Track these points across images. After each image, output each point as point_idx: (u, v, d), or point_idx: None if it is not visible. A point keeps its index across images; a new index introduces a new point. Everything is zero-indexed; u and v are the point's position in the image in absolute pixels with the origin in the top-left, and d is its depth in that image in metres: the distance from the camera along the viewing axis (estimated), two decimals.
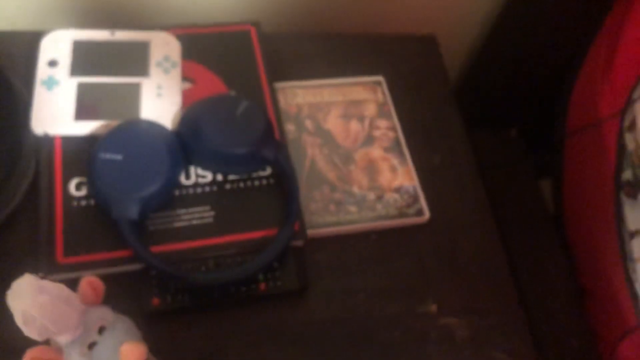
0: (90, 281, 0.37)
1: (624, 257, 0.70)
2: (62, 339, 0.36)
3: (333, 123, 0.59)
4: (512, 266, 0.57)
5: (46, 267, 0.46)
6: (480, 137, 0.91)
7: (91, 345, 0.36)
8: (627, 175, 0.71)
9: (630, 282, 0.68)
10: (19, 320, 0.34)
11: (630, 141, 0.71)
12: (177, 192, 0.51)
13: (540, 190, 0.88)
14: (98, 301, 0.38)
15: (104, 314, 0.38)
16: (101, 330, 0.37)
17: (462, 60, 0.88)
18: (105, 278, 0.39)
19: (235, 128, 0.51)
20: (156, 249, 0.48)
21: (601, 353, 0.72)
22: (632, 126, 0.71)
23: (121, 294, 0.46)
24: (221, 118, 0.51)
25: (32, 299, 0.34)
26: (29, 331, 0.34)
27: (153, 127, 0.51)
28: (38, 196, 0.49)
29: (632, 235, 0.69)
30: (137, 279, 0.47)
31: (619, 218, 0.71)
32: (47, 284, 0.35)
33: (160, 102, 0.54)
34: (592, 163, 0.76)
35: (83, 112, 0.52)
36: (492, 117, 0.93)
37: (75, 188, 0.49)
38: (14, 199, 0.49)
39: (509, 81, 0.90)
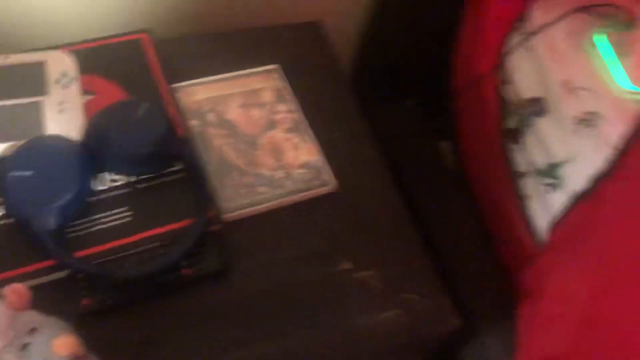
0: (14, 288, 0.40)
1: (517, 197, 0.78)
2: None
3: (235, 113, 0.63)
4: (424, 223, 0.62)
5: None
6: (380, 110, 0.98)
7: (25, 346, 0.39)
8: (510, 123, 0.78)
9: (525, 217, 0.76)
10: None
11: (507, 93, 0.78)
12: (93, 198, 0.53)
13: (441, 151, 0.95)
14: (25, 306, 0.40)
15: (32, 316, 0.40)
16: (32, 331, 0.39)
17: (355, 41, 0.94)
18: (35, 289, 0.41)
19: (138, 130, 0.54)
20: (79, 254, 0.50)
21: (514, 290, 0.80)
22: (507, 79, 0.79)
23: (52, 301, 0.48)
24: (123, 123, 0.54)
25: None
26: None
27: (59, 141, 0.53)
28: None
29: (521, 176, 0.77)
30: (65, 285, 0.50)
31: (509, 163, 0.79)
32: None
33: (63, 117, 0.56)
34: (479, 117, 0.83)
35: None
36: (391, 90, 0.99)
37: None
38: None
39: (401, 55, 0.96)
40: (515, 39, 0.78)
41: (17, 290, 0.40)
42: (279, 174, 0.60)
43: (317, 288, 0.55)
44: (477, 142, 0.88)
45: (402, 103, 1.00)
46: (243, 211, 0.57)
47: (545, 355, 0.69)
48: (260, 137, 0.62)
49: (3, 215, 0.51)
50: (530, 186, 0.76)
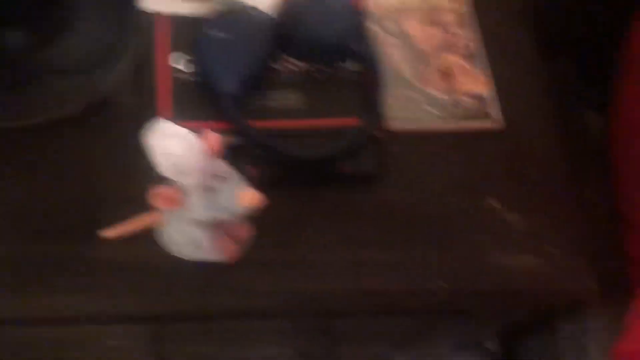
0: (212, 135, 0.42)
1: None
2: (187, 180, 0.41)
3: (413, 26, 0.62)
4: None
5: None
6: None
7: (211, 189, 0.42)
8: None
9: None
10: (157, 157, 0.39)
11: None
12: (273, 76, 0.55)
13: (586, 122, 0.91)
14: (218, 154, 0.43)
15: (222, 166, 0.43)
16: (220, 179, 0.42)
17: None
18: None
19: (333, 20, 0.54)
20: (256, 124, 0.52)
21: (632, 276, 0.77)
22: None
23: None
24: (320, 10, 0.54)
25: (169, 138, 0.39)
26: (164, 167, 0.40)
27: (256, 12, 0.54)
28: (150, 68, 0.53)
29: None
30: (235, 151, 0.52)
31: None
32: (180, 129, 0.40)
33: None
34: None
35: None
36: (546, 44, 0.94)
37: (183, 65, 0.54)
38: (128, 70, 0.53)
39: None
40: None
41: (214, 137, 0.42)
42: (446, 97, 0.59)
43: (459, 217, 0.55)
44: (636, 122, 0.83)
45: (554, 61, 0.95)
46: (406, 125, 0.57)
47: None
48: (433, 56, 0.61)
49: (194, 72, 0.53)
50: None
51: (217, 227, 0.45)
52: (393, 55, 0.60)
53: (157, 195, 0.41)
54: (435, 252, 0.53)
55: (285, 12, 0.55)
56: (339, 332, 0.72)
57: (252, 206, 0.40)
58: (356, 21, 0.55)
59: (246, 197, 0.40)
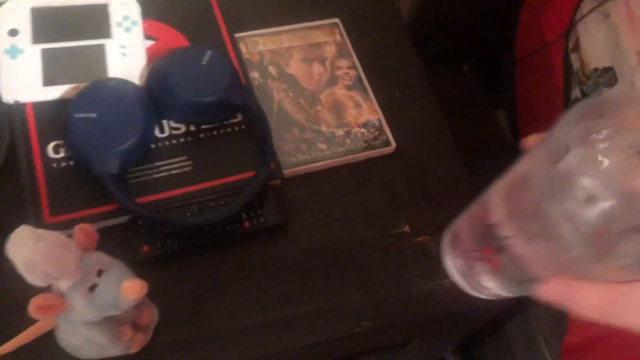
0: (82, 228, 0.40)
1: None
2: (64, 284, 0.38)
3: (295, 67, 0.61)
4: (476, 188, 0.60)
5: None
6: (435, 73, 0.95)
7: (92, 288, 0.39)
8: (575, 93, 0.75)
9: None
10: (21, 269, 0.36)
11: (575, 61, 0.75)
12: (153, 146, 0.53)
13: (496, 120, 0.93)
14: (93, 246, 0.40)
15: (100, 257, 0.40)
16: (100, 272, 0.39)
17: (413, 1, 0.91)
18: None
19: (203, 77, 0.53)
20: (139, 200, 0.50)
21: None
22: (576, 47, 0.75)
23: (113, 246, 0.48)
24: (188, 69, 0.53)
25: (32, 247, 0.36)
26: (32, 278, 0.36)
27: (123, 84, 0.52)
28: (17, 162, 0.50)
29: None
30: (125, 230, 0.50)
31: None
32: (44, 232, 0.37)
33: (125, 61, 0.55)
34: (541, 86, 0.80)
35: (51, 77, 0.53)
36: (445, 55, 0.96)
37: (53, 151, 0.51)
38: None
39: (458, 19, 0.93)
40: (589, 4, 0.74)
41: (86, 229, 0.40)
42: (339, 131, 0.58)
43: (372, 249, 0.54)
44: (537, 113, 0.85)
45: (458, 68, 0.97)
46: (303, 167, 0.56)
47: (603, 332, 0.67)
48: (320, 93, 0.60)
49: (65, 157, 0.51)
50: None
51: (113, 319, 0.42)
52: (282, 100, 0.59)
53: (35, 306, 0.38)
54: (353, 291, 0.52)
55: (155, 77, 0.53)
56: None
57: (136, 296, 0.38)
58: (231, 73, 0.54)
59: (129, 289, 0.38)
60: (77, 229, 0.39)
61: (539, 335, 0.76)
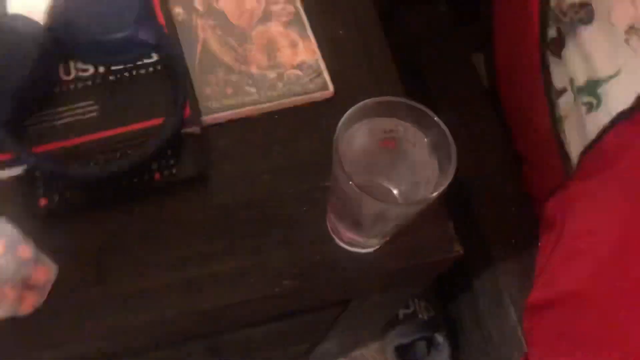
0: None
1: (553, 117, 0.69)
2: None
3: (225, 1, 0.55)
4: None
5: None
6: (410, 13, 0.88)
7: None
8: (552, 32, 0.68)
9: (559, 140, 0.68)
10: None
11: None
12: (56, 90, 0.48)
13: (473, 64, 0.86)
14: None
15: None
16: None
17: None
18: None
19: (108, 13, 0.47)
20: (40, 148, 0.45)
21: (536, 215, 0.73)
22: None
23: (6, 200, 0.45)
24: (92, 4, 0.47)
25: None
26: None
27: (19, 21, 0.47)
28: None
29: (559, 93, 0.68)
30: (21, 182, 0.45)
31: (547, 79, 0.70)
32: None
33: None
34: (518, 25, 0.73)
35: None
36: None
37: None
38: None
39: None
40: None
41: None
42: (271, 73, 0.53)
43: (301, 202, 0.49)
44: (513, 54, 0.78)
45: (433, 7, 0.90)
46: (228, 113, 0.51)
47: (564, 291, 0.63)
48: (252, 31, 0.54)
49: None
50: (566, 105, 0.67)
51: None
52: (208, 39, 0.53)
53: None
54: (277, 249, 0.47)
55: (57, 13, 0.48)
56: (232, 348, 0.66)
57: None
58: (141, 8, 0.48)
59: None
60: None
61: (505, 293, 0.72)
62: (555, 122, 0.68)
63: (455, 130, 0.85)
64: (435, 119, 0.39)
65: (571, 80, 0.64)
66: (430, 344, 0.98)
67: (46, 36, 0.47)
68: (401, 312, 0.97)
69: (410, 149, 0.42)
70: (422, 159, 0.41)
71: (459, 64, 0.86)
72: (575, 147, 0.64)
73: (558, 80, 0.68)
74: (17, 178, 0.45)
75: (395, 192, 0.42)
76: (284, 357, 0.84)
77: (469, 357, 0.93)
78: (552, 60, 0.68)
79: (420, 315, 0.96)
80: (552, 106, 0.69)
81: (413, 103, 0.39)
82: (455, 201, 0.64)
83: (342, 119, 0.38)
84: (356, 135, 0.40)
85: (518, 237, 0.74)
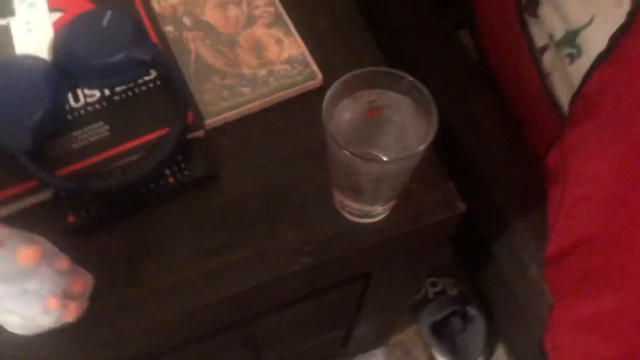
0: None
1: (541, 74, 0.71)
2: None
3: (211, 14, 0.59)
4: (444, 114, 0.57)
5: None
6: (391, 1, 0.91)
7: None
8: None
9: (549, 94, 0.70)
10: None
11: None
12: (69, 117, 0.52)
13: (459, 41, 0.88)
14: None
15: None
16: None
17: None
18: (21, 212, 0.41)
19: (104, 39, 0.51)
20: (62, 171, 0.50)
21: (541, 173, 0.75)
22: None
23: (41, 221, 0.49)
24: (88, 33, 0.52)
25: None
26: None
27: (28, 60, 0.51)
28: None
29: (542, 51, 0.70)
30: (50, 204, 0.49)
31: (528, 39, 0.72)
32: None
33: (32, 37, 0.54)
34: None
35: None
36: None
37: None
38: None
39: None
40: None
41: None
42: (262, 72, 0.56)
43: (307, 186, 0.52)
44: (494, 23, 0.80)
45: None
46: (227, 114, 0.54)
47: (575, 238, 0.64)
48: (239, 36, 0.58)
49: None
50: (551, 61, 0.69)
51: (35, 290, 0.42)
52: (199, 49, 0.57)
53: None
54: (291, 231, 0.50)
55: (59, 47, 0.52)
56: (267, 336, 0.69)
57: (32, 262, 0.38)
58: (134, 30, 0.52)
59: (24, 254, 0.37)
60: None
61: (524, 253, 0.73)
62: (543, 78, 0.70)
63: (452, 105, 0.88)
64: (410, 79, 0.41)
65: (550, 36, 0.67)
66: (465, 318, 1.00)
67: (53, 70, 0.51)
68: (431, 291, 0.99)
69: (395, 115, 0.44)
70: (408, 121, 0.44)
71: (446, 43, 0.88)
72: (564, 98, 0.66)
73: (539, 38, 0.70)
74: (45, 202, 0.50)
75: (385, 159, 0.45)
76: (320, 348, 0.86)
77: (502, 323, 0.94)
78: (530, 20, 0.71)
79: (449, 291, 0.98)
80: (537, 64, 0.71)
81: (388, 69, 0.42)
82: (463, 175, 0.67)
83: (326, 97, 0.41)
84: (342, 111, 0.43)
85: (528, 197, 0.76)
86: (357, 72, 0.42)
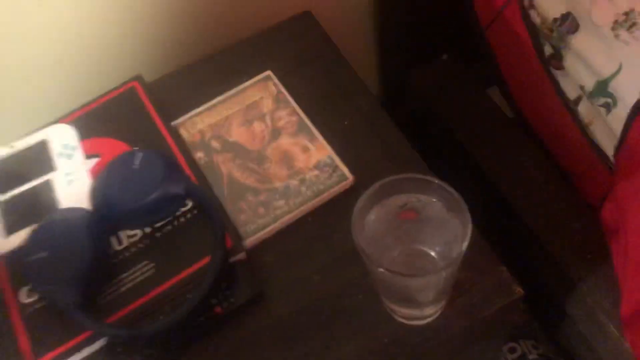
0: None
1: (580, 125, 0.69)
2: None
3: (237, 133, 0.61)
4: (489, 177, 0.54)
5: None
6: (418, 70, 0.91)
7: None
8: (547, 49, 0.70)
9: (593, 144, 0.67)
10: None
11: (535, 17, 0.70)
12: (114, 260, 0.53)
13: (490, 98, 0.87)
14: None
15: None
16: None
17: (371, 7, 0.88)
18: None
19: (137, 181, 0.53)
20: (112, 318, 0.50)
21: (598, 226, 0.71)
22: (530, 3, 0.70)
23: None
24: (122, 178, 0.54)
25: None
26: None
27: (68, 214, 0.54)
28: None
29: (576, 102, 0.68)
30: (107, 352, 0.50)
31: (560, 92, 0.70)
32: None
33: (72, 188, 0.57)
34: (514, 52, 0.75)
35: (11, 226, 0.56)
36: (421, 51, 0.92)
37: (26, 296, 0.52)
38: None
39: (423, 11, 0.90)
40: None
41: None
42: (294, 182, 0.57)
43: (355, 292, 0.51)
44: (522, 79, 0.79)
45: (436, 60, 0.93)
46: (265, 231, 0.55)
47: None
48: (266, 150, 0.59)
49: (38, 298, 0.52)
50: (587, 111, 0.67)
51: None
52: (231, 170, 0.58)
53: None
54: (344, 342, 0.49)
55: (96, 196, 0.55)
56: None
57: None
58: (165, 167, 0.54)
59: None
60: None
61: (598, 311, 0.69)
62: (583, 129, 0.68)
63: (494, 163, 0.85)
64: (436, 182, 0.41)
65: (582, 87, 0.65)
66: None
67: (94, 218, 0.53)
68: (510, 358, 0.94)
69: (430, 213, 0.44)
70: (443, 219, 0.43)
71: (478, 101, 0.87)
72: (609, 148, 0.63)
73: (570, 90, 0.68)
74: (101, 349, 0.50)
75: (432, 253, 0.44)
76: None
77: None
78: (557, 74, 0.69)
79: (530, 356, 0.92)
80: (574, 115, 0.69)
81: (415, 176, 0.41)
82: (519, 238, 0.64)
83: (353, 214, 0.41)
84: (374, 220, 0.43)
85: (591, 250, 0.72)
86: (382, 182, 0.42)
